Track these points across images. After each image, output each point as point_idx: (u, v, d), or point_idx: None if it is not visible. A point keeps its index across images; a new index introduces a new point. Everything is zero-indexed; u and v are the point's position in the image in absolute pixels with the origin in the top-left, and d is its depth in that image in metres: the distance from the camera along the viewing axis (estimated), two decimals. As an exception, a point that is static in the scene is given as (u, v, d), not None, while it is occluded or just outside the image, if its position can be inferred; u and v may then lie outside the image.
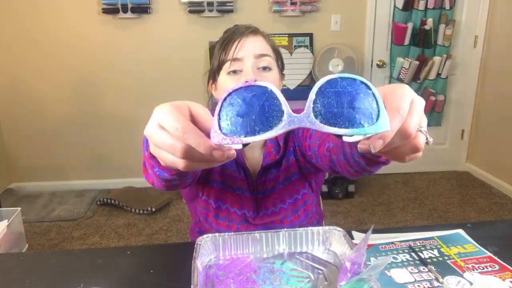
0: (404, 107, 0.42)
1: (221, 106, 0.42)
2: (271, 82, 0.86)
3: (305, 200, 0.99)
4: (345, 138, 0.43)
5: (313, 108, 0.41)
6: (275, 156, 0.95)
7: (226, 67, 0.88)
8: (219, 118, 0.42)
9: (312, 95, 0.42)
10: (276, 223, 0.97)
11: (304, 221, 0.99)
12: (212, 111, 0.44)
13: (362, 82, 0.42)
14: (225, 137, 0.41)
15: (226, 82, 0.88)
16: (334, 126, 0.41)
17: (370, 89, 0.42)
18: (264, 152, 0.96)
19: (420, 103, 0.45)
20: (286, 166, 0.97)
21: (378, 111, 0.41)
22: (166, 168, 0.59)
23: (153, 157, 0.58)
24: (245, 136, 0.41)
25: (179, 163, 0.44)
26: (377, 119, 0.41)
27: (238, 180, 0.95)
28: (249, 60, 0.87)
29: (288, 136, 0.98)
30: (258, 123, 0.41)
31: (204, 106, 0.47)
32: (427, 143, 0.46)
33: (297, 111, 0.42)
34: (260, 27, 0.96)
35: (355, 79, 0.42)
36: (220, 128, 0.42)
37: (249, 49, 0.87)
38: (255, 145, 0.98)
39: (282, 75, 0.97)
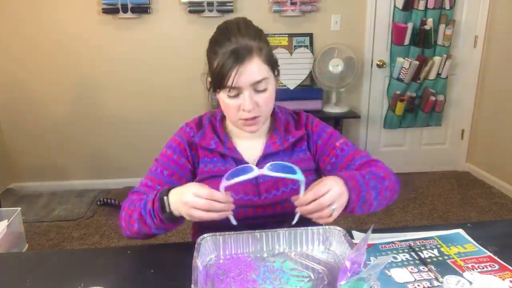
0: (320, 189, 0.79)
1: (226, 176, 0.83)
2: (266, 100, 0.94)
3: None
4: (294, 222, 0.85)
5: (267, 168, 0.83)
6: (278, 146, 1.03)
7: (226, 90, 0.92)
8: (225, 178, 0.83)
9: (267, 165, 0.84)
10: (278, 208, 1.00)
11: None
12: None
13: (292, 164, 0.85)
14: (225, 181, 0.82)
15: (229, 104, 0.94)
16: (277, 172, 0.83)
17: (293, 166, 0.84)
18: (267, 141, 1.04)
19: (336, 191, 0.80)
20: (296, 160, 1.03)
21: (296, 172, 0.83)
22: (165, 228, 0.89)
23: (162, 221, 0.86)
24: (233, 179, 0.82)
25: (205, 215, 0.80)
26: (296, 174, 0.83)
27: (224, 168, 1.00)
28: (247, 88, 0.91)
29: (302, 137, 1.06)
30: (240, 175, 0.82)
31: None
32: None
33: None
34: (259, 27, 0.96)
35: (288, 163, 0.86)
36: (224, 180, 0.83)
37: (246, 78, 0.89)
38: (257, 134, 1.03)
39: (277, 80, 1.00)
